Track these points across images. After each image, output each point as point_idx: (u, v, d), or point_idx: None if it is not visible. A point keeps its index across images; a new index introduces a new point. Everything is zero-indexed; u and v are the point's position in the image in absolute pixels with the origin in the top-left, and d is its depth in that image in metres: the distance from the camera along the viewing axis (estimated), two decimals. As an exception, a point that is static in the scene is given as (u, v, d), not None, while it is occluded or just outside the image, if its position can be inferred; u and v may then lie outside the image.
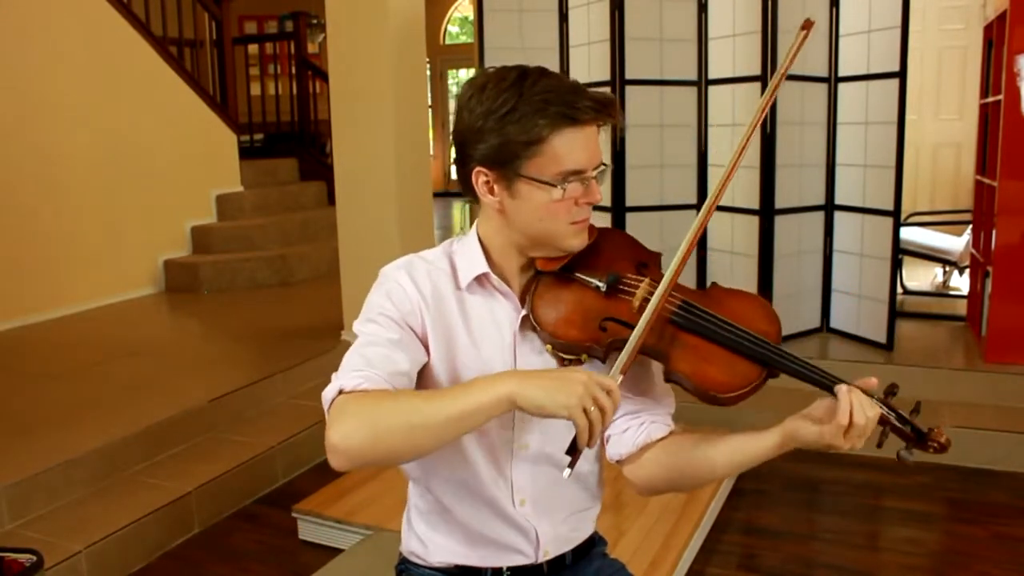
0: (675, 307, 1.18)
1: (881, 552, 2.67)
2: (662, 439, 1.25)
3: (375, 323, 1.17)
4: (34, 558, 2.02)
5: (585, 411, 1.00)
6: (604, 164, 1.18)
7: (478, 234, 1.24)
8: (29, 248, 4.72)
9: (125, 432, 2.99)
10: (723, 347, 1.15)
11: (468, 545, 1.28)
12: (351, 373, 1.09)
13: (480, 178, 1.17)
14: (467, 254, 1.24)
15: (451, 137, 1.20)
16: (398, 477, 1.35)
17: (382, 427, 1.02)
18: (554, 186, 1.13)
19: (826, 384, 1.12)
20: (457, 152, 1.20)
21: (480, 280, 1.22)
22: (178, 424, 3.17)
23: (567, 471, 1.05)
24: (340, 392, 1.07)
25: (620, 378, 1.07)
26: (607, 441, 1.28)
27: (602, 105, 1.13)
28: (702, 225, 1.19)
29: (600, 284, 1.20)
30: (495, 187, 1.17)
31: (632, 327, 1.13)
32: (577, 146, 1.13)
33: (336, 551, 2.56)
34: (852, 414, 1.06)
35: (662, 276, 1.19)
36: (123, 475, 2.92)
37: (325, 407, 1.08)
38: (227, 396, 3.41)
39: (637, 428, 1.25)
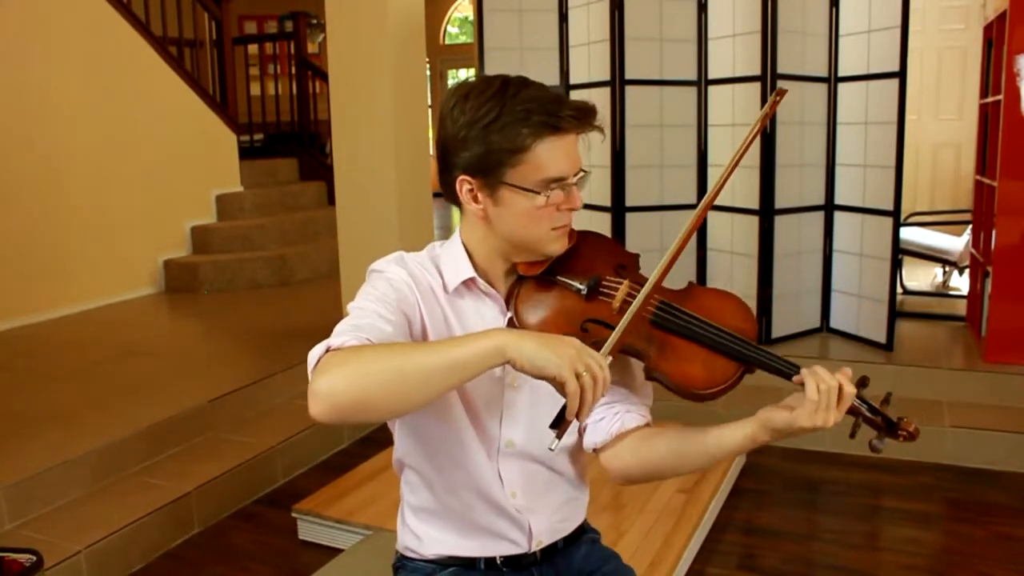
0: (654, 308, 1.21)
1: (881, 552, 2.67)
2: (637, 429, 1.27)
3: (369, 300, 1.16)
4: (34, 558, 2.02)
5: (577, 376, 1.00)
6: (584, 171, 1.20)
7: (462, 240, 1.26)
8: (29, 248, 4.72)
9: (125, 432, 2.99)
10: (702, 345, 1.19)
11: (462, 536, 1.30)
12: (340, 336, 1.07)
13: (464, 186, 1.19)
14: (452, 259, 1.25)
15: (433, 145, 1.22)
16: (397, 476, 1.36)
17: (370, 371, 0.99)
18: (538, 193, 1.16)
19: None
20: (440, 160, 1.22)
21: (467, 284, 1.24)
22: (178, 424, 3.17)
23: (555, 442, 1.05)
24: (328, 350, 1.04)
25: (610, 359, 1.07)
26: (583, 431, 1.30)
27: (583, 114, 1.16)
28: (689, 234, 1.21)
29: (581, 287, 1.23)
30: (479, 195, 1.19)
31: (613, 328, 1.15)
32: (559, 154, 1.15)
33: (336, 551, 2.56)
34: (818, 387, 1.09)
35: (641, 277, 1.23)
36: (123, 475, 2.92)
37: (310, 366, 1.04)
38: (227, 396, 3.41)
39: (612, 417, 1.27)
